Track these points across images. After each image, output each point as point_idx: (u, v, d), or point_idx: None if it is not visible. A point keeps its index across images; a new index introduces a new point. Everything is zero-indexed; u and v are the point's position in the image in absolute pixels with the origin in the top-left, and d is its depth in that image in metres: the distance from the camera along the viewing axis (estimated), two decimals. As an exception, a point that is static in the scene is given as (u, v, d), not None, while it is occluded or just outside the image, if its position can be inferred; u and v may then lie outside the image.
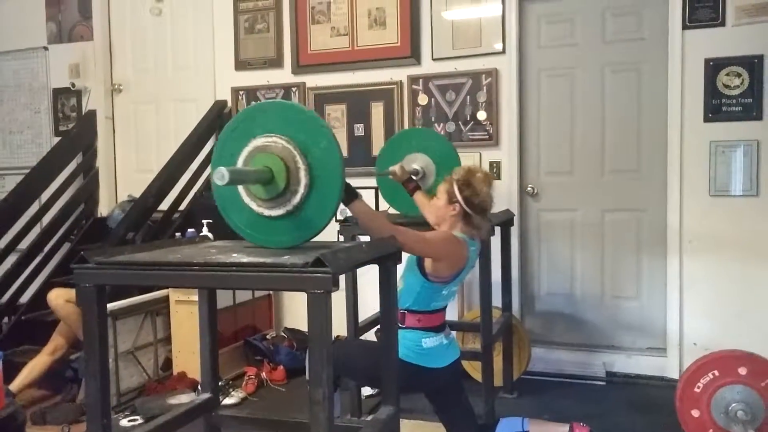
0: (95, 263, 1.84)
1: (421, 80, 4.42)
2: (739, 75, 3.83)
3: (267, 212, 1.93)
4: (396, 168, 3.24)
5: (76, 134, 5.25)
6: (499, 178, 4.30)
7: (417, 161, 3.45)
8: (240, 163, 1.93)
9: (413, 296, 2.65)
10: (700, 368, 2.91)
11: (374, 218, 2.36)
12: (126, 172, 5.36)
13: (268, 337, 4.49)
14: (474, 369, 3.86)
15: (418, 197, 3.22)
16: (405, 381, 2.62)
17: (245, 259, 1.77)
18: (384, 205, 3.72)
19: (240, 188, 1.95)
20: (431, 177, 3.43)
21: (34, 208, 4.86)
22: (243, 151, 1.92)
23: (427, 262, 2.60)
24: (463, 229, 2.69)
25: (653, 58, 4.05)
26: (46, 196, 4.95)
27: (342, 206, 2.12)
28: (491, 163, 4.29)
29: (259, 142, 1.91)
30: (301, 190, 1.88)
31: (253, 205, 1.94)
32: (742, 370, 2.82)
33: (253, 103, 4.80)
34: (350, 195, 2.25)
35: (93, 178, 5.31)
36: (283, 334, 4.57)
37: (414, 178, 3.32)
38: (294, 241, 1.94)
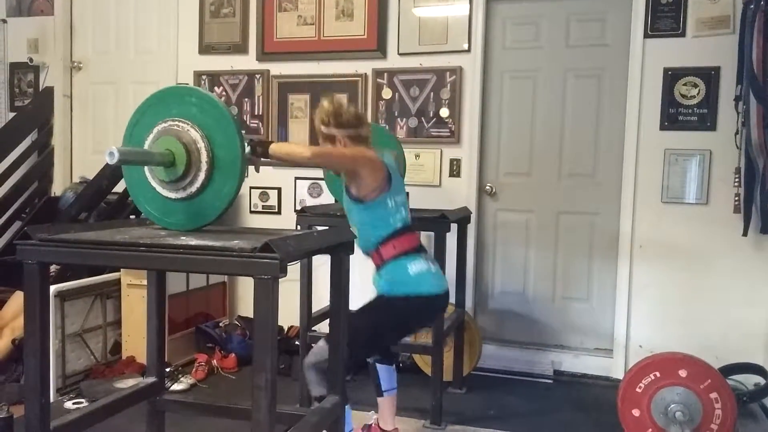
0: (39, 240, 1.80)
1: (386, 74, 4.42)
2: (696, 85, 3.92)
3: (168, 194, 1.96)
4: None
5: (32, 111, 5.13)
6: (459, 176, 4.33)
7: None
8: (146, 147, 1.96)
9: (371, 225, 2.66)
10: (642, 369, 2.98)
11: (293, 149, 2.53)
12: (82, 152, 5.25)
13: (221, 324, 4.45)
14: (425, 363, 3.90)
15: None
16: (401, 317, 2.65)
17: (193, 242, 1.76)
18: (330, 198, 3.75)
19: (146, 171, 1.98)
20: None
21: (-15, 184, 4.74)
22: (149, 135, 1.96)
23: (353, 189, 2.64)
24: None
25: (615, 65, 4.12)
26: (-2, 172, 4.83)
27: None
28: (452, 161, 4.32)
29: (162, 126, 1.94)
30: (202, 176, 1.91)
31: (158, 187, 1.97)
32: (683, 373, 2.90)
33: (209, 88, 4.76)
34: (264, 147, 2.38)
35: (48, 157, 5.19)
36: (236, 323, 4.54)
37: None
38: (192, 224, 1.98)
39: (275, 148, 2.42)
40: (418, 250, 2.72)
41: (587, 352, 4.22)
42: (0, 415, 2.68)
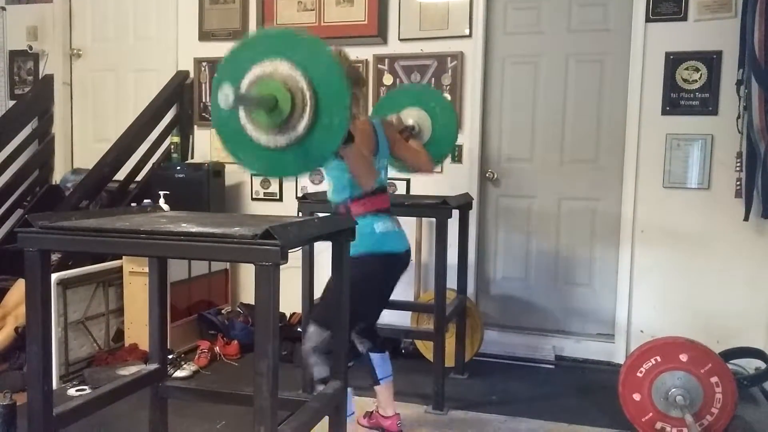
0: (40, 228, 1.80)
1: (386, 60, 4.41)
2: (698, 70, 3.90)
3: (272, 143, 1.86)
4: (393, 117, 3.21)
5: (32, 99, 5.12)
6: (460, 161, 4.32)
7: (413, 116, 3.42)
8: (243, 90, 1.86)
9: (348, 185, 2.67)
10: (643, 354, 2.98)
11: (364, 163, 2.49)
12: (83, 140, 5.24)
13: (223, 311, 4.46)
14: (427, 349, 3.91)
15: (412, 144, 3.21)
16: (371, 274, 2.65)
17: (194, 229, 1.75)
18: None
19: (243, 119, 1.87)
20: (426, 134, 3.40)
21: (-14, 172, 4.75)
22: (246, 77, 1.85)
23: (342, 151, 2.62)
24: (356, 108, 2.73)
25: (616, 50, 4.09)
26: (-2, 160, 4.84)
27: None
28: (454, 146, 4.30)
29: (261, 68, 1.83)
30: (307, 115, 1.80)
31: (255, 134, 1.86)
32: (684, 357, 2.91)
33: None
34: (347, 139, 2.29)
35: (48, 145, 5.18)
36: (239, 309, 4.54)
37: (412, 132, 3.31)
38: (307, 167, 1.88)
39: (351, 152, 2.40)
40: (387, 211, 2.78)
41: (589, 337, 4.23)
42: (3, 403, 2.69)
